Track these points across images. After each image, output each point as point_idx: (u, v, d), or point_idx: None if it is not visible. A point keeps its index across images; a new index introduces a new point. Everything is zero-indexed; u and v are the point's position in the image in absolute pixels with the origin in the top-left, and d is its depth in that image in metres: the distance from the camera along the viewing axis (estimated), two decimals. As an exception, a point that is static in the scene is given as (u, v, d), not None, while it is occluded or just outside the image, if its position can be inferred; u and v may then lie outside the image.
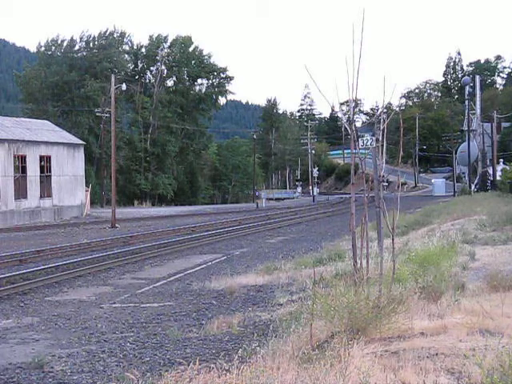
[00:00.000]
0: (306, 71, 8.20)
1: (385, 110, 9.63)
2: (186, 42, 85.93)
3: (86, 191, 49.22)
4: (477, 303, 8.32)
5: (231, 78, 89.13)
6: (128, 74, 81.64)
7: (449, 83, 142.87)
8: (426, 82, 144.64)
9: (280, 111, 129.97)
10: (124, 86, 49.20)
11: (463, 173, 74.03)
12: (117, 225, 37.51)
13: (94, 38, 76.71)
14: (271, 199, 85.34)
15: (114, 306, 13.21)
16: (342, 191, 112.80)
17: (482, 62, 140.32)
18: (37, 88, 72.10)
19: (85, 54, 75.81)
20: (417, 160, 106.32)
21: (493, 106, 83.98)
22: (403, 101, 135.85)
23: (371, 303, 7.30)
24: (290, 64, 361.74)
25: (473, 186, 59.94)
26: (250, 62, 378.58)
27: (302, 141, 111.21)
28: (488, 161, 64.99)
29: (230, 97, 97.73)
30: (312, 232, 32.45)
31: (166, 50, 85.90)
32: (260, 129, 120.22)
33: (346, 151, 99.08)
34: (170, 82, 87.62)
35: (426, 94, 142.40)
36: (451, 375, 5.63)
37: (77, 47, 76.42)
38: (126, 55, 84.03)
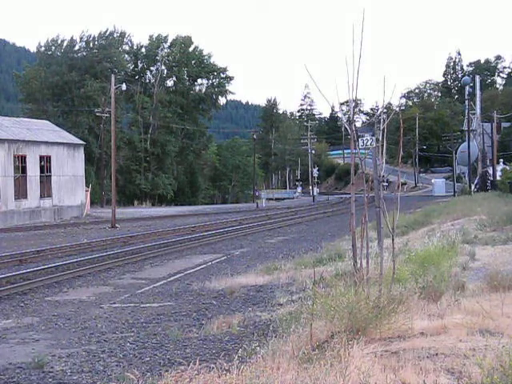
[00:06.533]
0: (306, 71, 8.22)
1: (385, 110, 9.63)
2: (186, 42, 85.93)
3: (86, 191, 49.21)
4: (477, 303, 8.32)
5: (231, 78, 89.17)
6: (128, 74, 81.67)
7: (449, 83, 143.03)
8: (426, 82, 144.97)
9: (280, 111, 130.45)
10: (124, 86, 49.26)
11: (463, 173, 74.00)
12: (117, 225, 37.50)
13: (94, 38, 76.72)
14: (271, 199, 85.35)
15: (114, 306, 13.20)
16: (342, 191, 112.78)
17: (482, 62, 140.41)
18: (37, 88, 72.07)
19: (85, 54, 75.78)
20: (417, 160, 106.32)
21: (493, 106, 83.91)
22: (403, 101, 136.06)
23: (371, 303, 7.30)
24: (290, 64, 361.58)
25: (473, 186, 59.88)
26: (249, 62, 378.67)
27: (302, 141, 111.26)
28: (488, 161, 64.91)
29: (229, 97, 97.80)
30: (312, 232, 32.44)
31: (165, 50, 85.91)
32: (260, 129, 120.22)
33: (346, 151, 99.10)
34: (169, 82, 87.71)
35: (426, 94, 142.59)
36: (451, 375, 5.62)
37: (77, 47, 76.44)
38: (126, 55, 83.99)
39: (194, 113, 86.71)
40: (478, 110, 67.02)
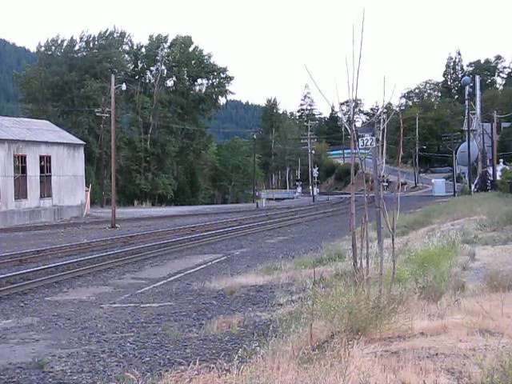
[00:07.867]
0: (306, 71, 8.23)
1: (385, 110, 9.63)
2: (186, 42, 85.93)
3: (86, 191, 49.20)
4: (477, 303, 8.32)
5: (231, 78, 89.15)
6: (128, 74, 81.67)
7: (449, 83, 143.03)
8: (426, 82, 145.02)
9: (280, 111, 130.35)
10: (124, 86, 49.29)
11: (463, 173, 74.04)
12: (117, 225, 37.49)
13: (94, 38, 76.72)
14: (271, 199, 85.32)
15: (114, 306, 13.20)
16: (342, 191, 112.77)
17: (482, 62, 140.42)
18: (37, 88, 72.10)
19: (85, 54, 75.78)
20: (417, 160, 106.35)
21: (493, 106, 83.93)
22: (403, 101, 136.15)
23: (371, 303, 7.30)
24: (290, 64, 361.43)
25: (473, 186, 59.91)
26: (250, 62, 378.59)
27: (302, 141, 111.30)
28: (488, 161, 64.96)
29: (229, 97, 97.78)
30: (312, 232, 32.45)
31: (165, 50, 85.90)
32: (260, 129, 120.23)
33: (346, 151, 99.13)
34: (169, 82, 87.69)
35: (426, 94, 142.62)
36: (451, 375, 5.62)
37: (77, 47, 76.45)
38: (126, 55, 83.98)
39: (194, 113, 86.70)
40: (478, 110, 67.05)
